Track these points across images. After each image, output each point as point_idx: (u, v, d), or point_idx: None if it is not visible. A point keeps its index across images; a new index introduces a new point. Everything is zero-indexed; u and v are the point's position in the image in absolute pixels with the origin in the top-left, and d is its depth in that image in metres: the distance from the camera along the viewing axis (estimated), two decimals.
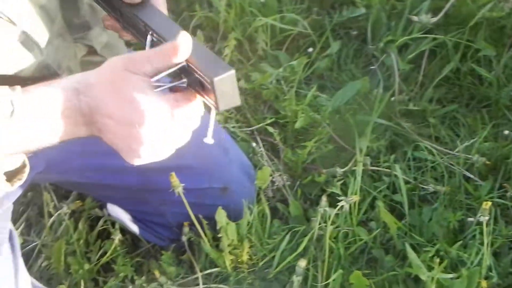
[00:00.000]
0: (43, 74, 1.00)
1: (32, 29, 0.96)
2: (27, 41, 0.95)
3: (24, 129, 0.89)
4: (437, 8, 2.01)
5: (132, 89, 0.87)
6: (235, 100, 0.89)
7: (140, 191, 1.51)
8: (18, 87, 0.88)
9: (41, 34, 0.99)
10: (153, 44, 0.99)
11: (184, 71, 0.92)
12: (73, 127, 0.92)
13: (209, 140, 0.93)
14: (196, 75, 0.89)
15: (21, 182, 0.94)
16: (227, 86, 0.87)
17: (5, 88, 0.87)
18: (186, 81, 0.92)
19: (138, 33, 1.05)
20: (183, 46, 0.88)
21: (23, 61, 0.96)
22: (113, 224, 1.65)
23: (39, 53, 0.98)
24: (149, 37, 0.99)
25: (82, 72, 1.10)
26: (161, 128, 0.89)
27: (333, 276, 1.45)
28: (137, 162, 0.93)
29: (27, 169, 0.94)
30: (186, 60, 0.90)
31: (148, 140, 0.89)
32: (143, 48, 1.01)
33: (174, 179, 1.39)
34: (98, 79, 0.90)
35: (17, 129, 0.88)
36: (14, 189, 0.95)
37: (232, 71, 0.87)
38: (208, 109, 0.93)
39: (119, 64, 0.90)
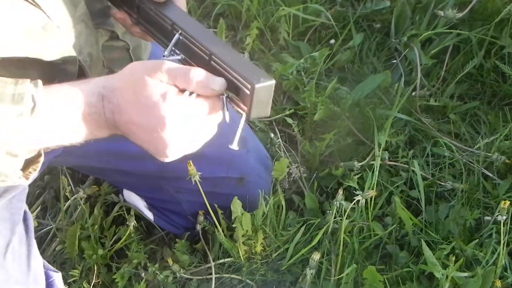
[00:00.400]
0: (63, 58, 0.99)
1: (55, 13, 0.96)
2: (50, 25, 0.95)
3: (45, 127, 0.89)
4: (463, 3, 1.99)
5: (152, 95, 0.88)
6: (266, 111, 0.90)
7: (156, 178, 1.51)
8: (39, 83, 0.88)
9: (64, 19, 0.99)
10: (177, 43, 1.00)
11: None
12: (96, 129, 0.93)
13: (234, 146, 0.94)
14: (234, 80, 0.90)
15: (35, 173, 0.94)
16: (265, 95, 0.88)
17: (27, 82, 0.87)
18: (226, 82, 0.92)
19: (156, 30, 1.06)
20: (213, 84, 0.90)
21: (44, 45, 0.96)
22: (128, 210, 1.66)
23: (60, 38, 0.98)
24: (176, 36, 1.00)
25: (103, 55, 1.10)
26: (184, 130, 0.90)
27: (347, 271, 1.45)
28: (166, 160, 0.95)
29: (41, 159, 0.95)
30: (226, 64, 0.91)
31: (173, 142, 0.91)
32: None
33: (192, 167, 1.39)
34: (121, 84, 0.91)
35: (38, 127, 0.88)
36: (30, 182, 0.95)
37: (273, 81, 0.88)
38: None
39: (139, 69, 0.91)
